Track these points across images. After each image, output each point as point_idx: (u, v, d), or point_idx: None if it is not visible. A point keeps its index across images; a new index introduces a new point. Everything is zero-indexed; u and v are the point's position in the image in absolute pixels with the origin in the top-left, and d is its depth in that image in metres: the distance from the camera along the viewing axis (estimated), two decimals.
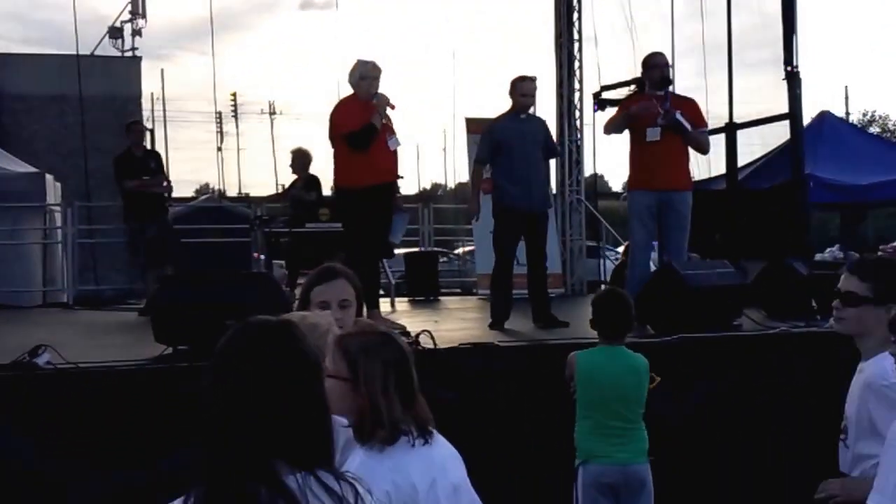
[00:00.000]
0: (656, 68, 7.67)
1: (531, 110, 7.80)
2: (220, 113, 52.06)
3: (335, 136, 7.04)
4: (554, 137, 12.32)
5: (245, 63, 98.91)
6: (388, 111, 7.15)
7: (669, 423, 5.32)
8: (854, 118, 57.87)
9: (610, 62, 12.79)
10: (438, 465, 2.42)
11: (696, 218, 7.75)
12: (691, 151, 7.88)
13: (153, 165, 9.85)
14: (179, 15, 79.08)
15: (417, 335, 5.65)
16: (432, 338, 5.60)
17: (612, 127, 7.89)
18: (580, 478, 4.27)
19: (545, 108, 12.76)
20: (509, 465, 5.27)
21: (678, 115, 7.40)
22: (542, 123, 7.89)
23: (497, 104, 8.17)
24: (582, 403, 4.31)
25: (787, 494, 5.43)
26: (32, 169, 12.90)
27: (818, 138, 13.00)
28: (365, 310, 6.92)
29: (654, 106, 7.46)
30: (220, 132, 52.66)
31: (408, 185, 63.92)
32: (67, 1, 66.95)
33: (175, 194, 11.82)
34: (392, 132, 7.17)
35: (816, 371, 5.81)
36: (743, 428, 5.80)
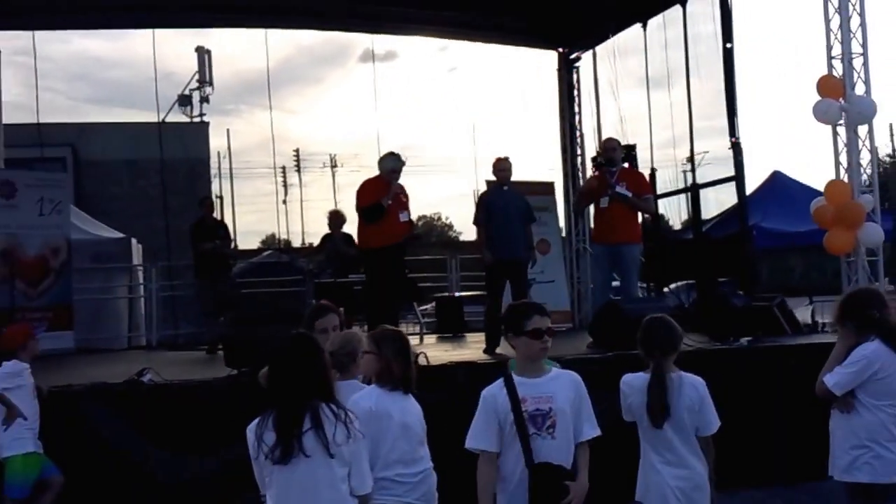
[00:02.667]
0: (605, 151, 9.94)
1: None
2: (283, 167, 54.68)
3: (357, 209, 9.17)
4: (561, 194, 14.33)
5: (308, 115, 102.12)
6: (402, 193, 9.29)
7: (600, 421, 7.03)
8: None
9: (605, 128, 14.67)
10: (406, 409, 4.30)
11: (671, 260, 9.68)
12: None
13: (222, 233, 11.79)
14: (243, 72, 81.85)
15: (416, 356, 7.61)
16: (426, 358, 7.51)
17: (578, 209, 10.00)
18: None
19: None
20: None
21: (618, 188, 9.45)
22: (521, 194, 9.66)
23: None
24: None
25: None
26: (120, 234, 15.05)
27: (770, 194, 14.89)
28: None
29: (594, 179, 9.65)
30: (285, 185, 55.16)
31: (468, 232, 65.70)
32: (133, 60, 69.50)
33: (242, 246, 13.70)
34: (405, 208, 9.30)
35: (726, 381, 6.91)
36: None
